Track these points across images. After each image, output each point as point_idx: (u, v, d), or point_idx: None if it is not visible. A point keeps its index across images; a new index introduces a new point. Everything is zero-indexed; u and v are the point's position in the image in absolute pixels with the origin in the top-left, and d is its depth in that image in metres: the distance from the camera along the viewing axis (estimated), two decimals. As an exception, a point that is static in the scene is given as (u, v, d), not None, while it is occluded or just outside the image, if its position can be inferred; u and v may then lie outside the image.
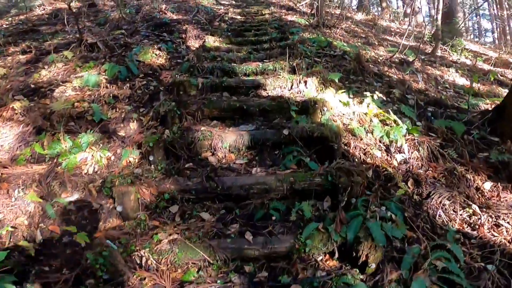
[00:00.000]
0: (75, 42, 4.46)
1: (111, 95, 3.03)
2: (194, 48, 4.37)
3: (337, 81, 3.25)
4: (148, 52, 3.92)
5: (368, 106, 3.00)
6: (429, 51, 6.64)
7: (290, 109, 2.69)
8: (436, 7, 6.28)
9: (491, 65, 6.65)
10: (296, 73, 3.33)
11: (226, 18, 6.12)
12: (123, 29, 5.42)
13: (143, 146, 2.41)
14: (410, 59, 4.99)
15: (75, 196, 2.28)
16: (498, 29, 19.51)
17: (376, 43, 5.91)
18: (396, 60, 4.78)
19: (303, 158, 2.43)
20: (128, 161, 2.47)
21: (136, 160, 2.48)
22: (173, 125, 2.58)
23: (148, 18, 6.16)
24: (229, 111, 2.72)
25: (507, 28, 17.94)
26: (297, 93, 2.98)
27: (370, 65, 4.16)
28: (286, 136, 2.49)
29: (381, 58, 4.71)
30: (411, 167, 2.59)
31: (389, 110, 3.05)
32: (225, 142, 2.47)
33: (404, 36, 4.86)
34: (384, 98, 3.33)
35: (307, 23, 6.06)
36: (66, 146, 2.60)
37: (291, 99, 2.78)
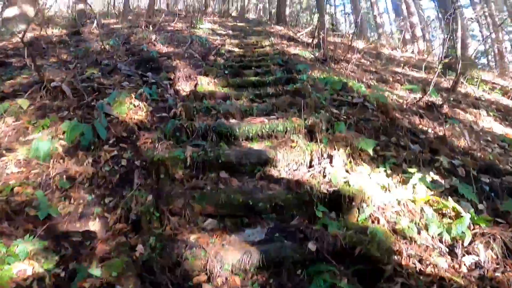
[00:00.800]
0: (39, 83, 3.69)
1: (65, 176, 2.21)
2: (184, 93, 3.61)
3: (370, 151, 2.50)
4: (124, 102, 3.14)
5: (414, 189, 2.23)
6: (444, 84, 6.04)
7: (315, 207, 1.90)
8: (453, 34, 5.64)
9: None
10: (314, 138, 2.58)
11: (223, 51, 5.42)
12: (102, 64, 4.67)
13: (104, 271, 1.58)
14: (436, 100, 4.31)
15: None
16: (494, 52, 19.38)
17: (390, 79, 5.25)
18: (421, 103, 4.09)
19: (338, 283, 1.63)
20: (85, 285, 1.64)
21: (97, 284, 1.64)
22: (150, 233, 1.76)
23: (134, 50, 5.44)
24: (229, 208, 1.92)
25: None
26: (320, 173, 2.20)
27: (397, 115, 3.44)
28: (312, 252, 1.69)
29: (405, 102, 4.01)
30: (485, 271, 1.87)
31: (443, 190, 2.30)
32: (225, 263, 1.65)
33: (435, 76, 4.20)
34: (430, 171, 2.56)
35: (312, 56, 5.40)
36: (-3, 254, 1.77)
37: (315, 188, 1.99)
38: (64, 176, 2.20)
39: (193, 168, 2.22)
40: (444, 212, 2.17)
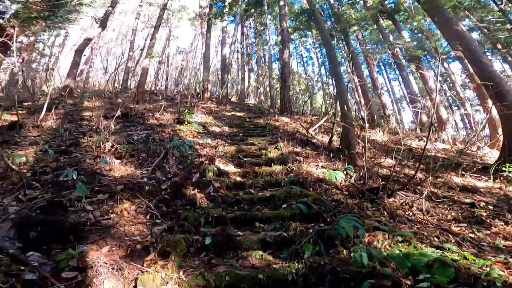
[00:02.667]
0: None
1: None
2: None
3: None
4: None
5: None
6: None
7: None
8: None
9: None
10: None
11: (210, 174, 3.54)
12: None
13: None
14: None
15: None
16: None
17: (483, 214, 3.24)
18: None
19: None
20: None
21: None
22: None
23: (56, 182, 3.27)
24: None
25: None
26: None
27: None
28: None
29: None
30: None
31: None
32: None
33: None
34: None
35: (348, 182, 3.49)
36: None
37: None
38: None
39: None
40: None
